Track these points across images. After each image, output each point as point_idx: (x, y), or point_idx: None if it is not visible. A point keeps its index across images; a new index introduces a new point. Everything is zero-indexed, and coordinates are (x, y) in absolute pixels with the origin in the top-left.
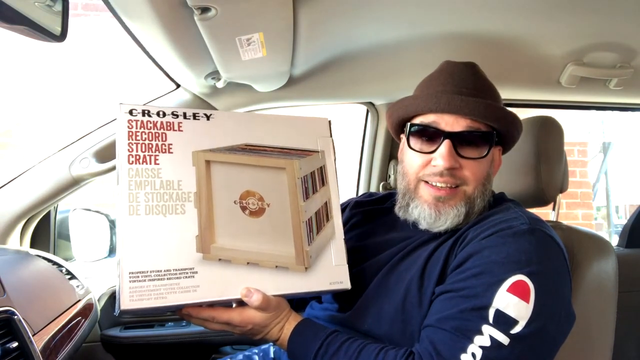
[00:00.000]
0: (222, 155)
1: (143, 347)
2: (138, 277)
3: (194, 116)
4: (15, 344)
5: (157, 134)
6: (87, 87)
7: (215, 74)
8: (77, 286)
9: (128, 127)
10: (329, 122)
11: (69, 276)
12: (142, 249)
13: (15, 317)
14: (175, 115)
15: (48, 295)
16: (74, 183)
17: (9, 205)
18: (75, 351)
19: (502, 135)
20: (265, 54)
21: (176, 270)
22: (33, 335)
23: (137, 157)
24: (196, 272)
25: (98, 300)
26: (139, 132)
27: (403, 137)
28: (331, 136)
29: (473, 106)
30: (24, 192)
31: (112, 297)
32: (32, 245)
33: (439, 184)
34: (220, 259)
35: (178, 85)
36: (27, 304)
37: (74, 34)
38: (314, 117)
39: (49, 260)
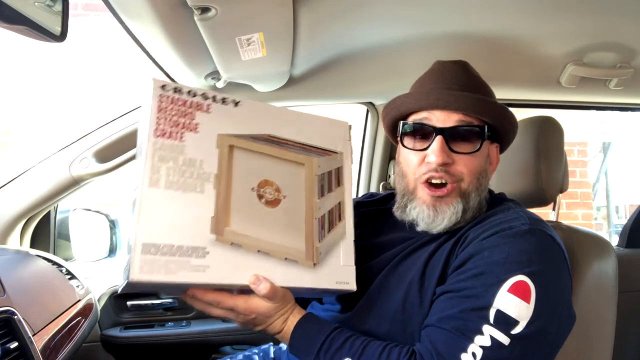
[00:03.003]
0: (245, 142)
1: (143, 347)
2: (150, 249)
3: (223, 101)
4: (15, 344)
5: (185, 112)
6: (87, 87)
7: (215, 74)
8: (77, 286)
9: (159, 101)
10: (350, 126)
11: (69, 276)
12: (157, 222)
13: (15, 317)
14: (205, 97)
15: (48, 295)
16: (74, 183)
17: (9, 205)
18: (75, 351)
19: (496, 130)
20: (265, 54)
21: (188, 247)
22: (33, 335)
23: (164, 131)
24: (208, 253)
25: (98, 300)
26: (168, 107)
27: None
28: (350, 140)
29: (462, 100)
30: (24, 192)
31: (112, 297)
32: (32, 245)
33: (435, 181)
34: (232, 243)
35: None
36: (27, 304)
37: (74, 34)
38: (337, 120)
39: (49, 260)
